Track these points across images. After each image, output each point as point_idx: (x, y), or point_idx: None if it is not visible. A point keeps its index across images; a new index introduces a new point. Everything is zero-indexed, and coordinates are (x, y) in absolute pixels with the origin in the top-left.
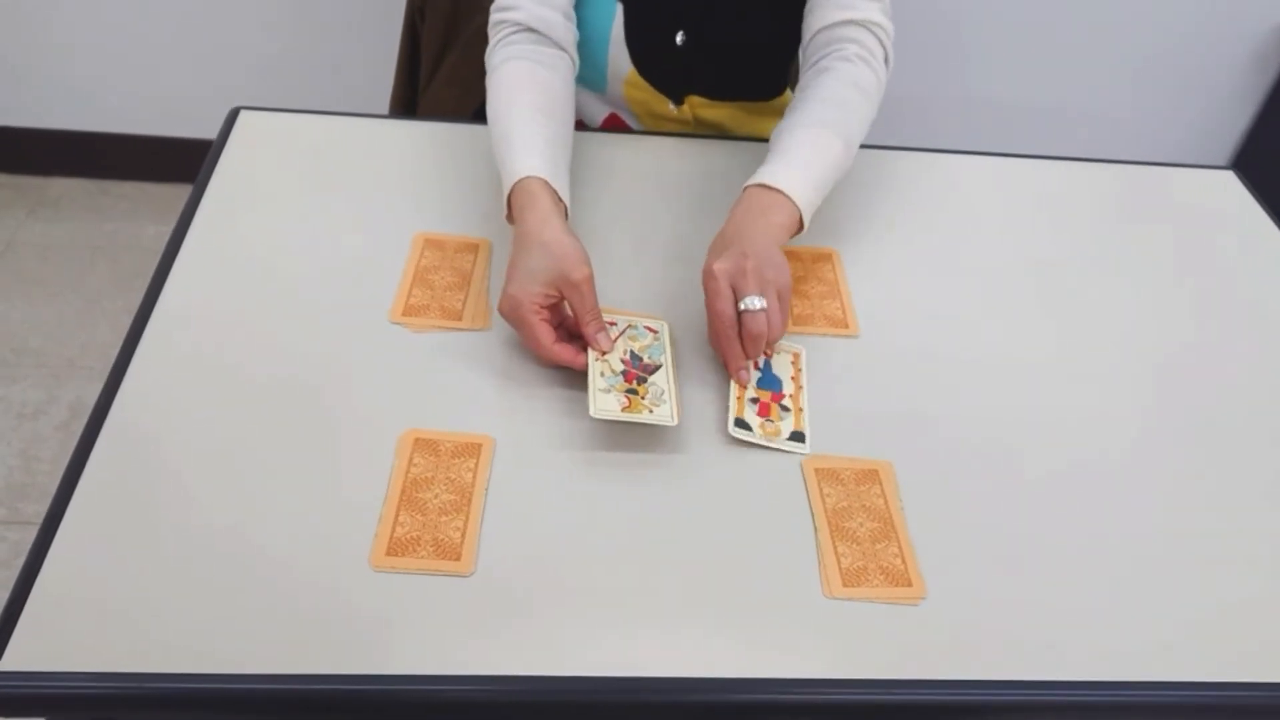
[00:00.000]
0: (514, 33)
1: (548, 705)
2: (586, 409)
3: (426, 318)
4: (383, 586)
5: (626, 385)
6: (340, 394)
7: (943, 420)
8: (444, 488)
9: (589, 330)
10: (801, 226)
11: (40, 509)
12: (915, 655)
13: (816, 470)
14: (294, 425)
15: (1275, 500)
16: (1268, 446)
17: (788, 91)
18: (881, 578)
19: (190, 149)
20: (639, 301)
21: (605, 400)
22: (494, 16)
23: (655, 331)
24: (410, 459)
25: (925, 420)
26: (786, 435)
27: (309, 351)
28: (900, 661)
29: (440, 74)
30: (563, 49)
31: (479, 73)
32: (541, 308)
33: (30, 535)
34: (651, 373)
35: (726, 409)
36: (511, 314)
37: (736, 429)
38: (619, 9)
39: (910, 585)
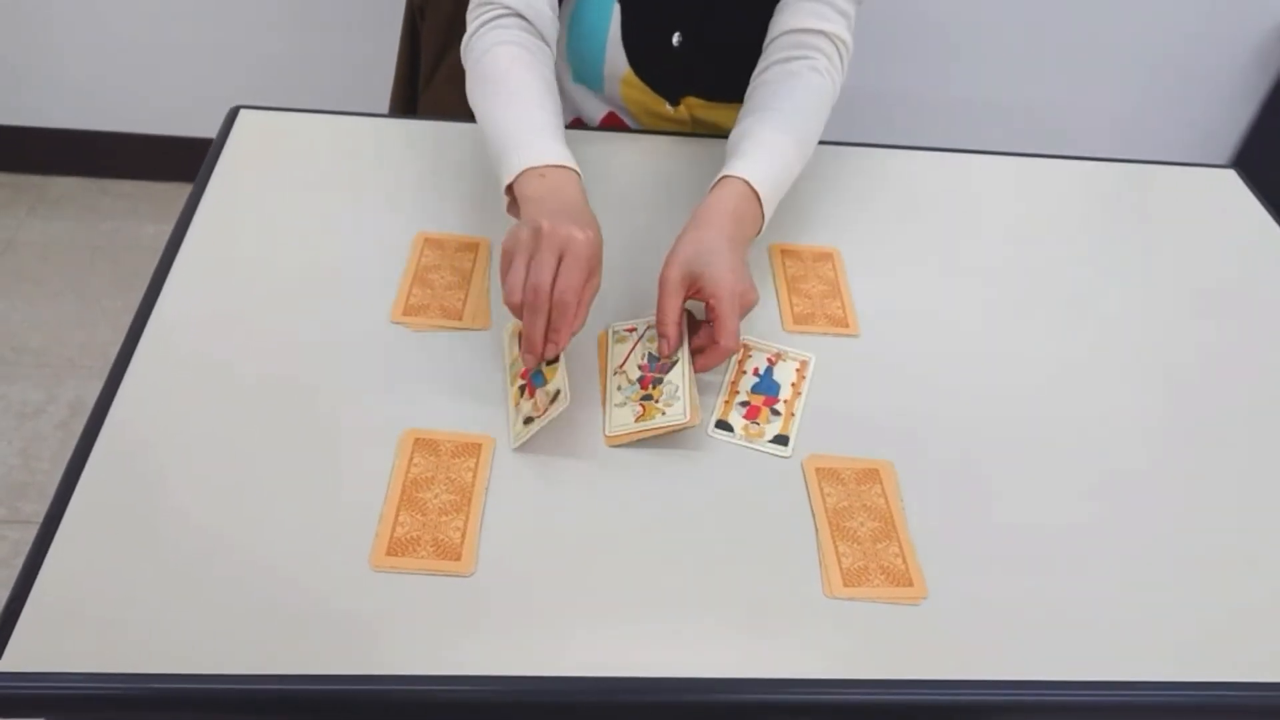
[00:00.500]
0: (503, 15)
1: (548, 705)
2: (586, 409)
3: (427, 317)
4: (383, 586)
5: (642, 392)
6: (340, 393)
7: (943, 419)
8: (444, 488)
9: (563, 332)
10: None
11: (40, 508)
12: (916, 655)
13: (817, 470)
14: (293, 424)
15: (1275, 500)
16: (1267, 446)
17: None
18: (882, 577)
19: (190, 148)
20: (635, 300)
21: (620, 416)
22: None
23: None
24: (410, 459)
25: (926, 420)
26: (770, 438)
27: (309, 350)
28: (900, 661)
29: (440, 73)
30: (548, 44)
31: None
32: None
33: (30, 534)
34: (668, 371)
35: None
36: (582, 245)
37: (716, 430)
38: (616, 9)
39: (911, 585)
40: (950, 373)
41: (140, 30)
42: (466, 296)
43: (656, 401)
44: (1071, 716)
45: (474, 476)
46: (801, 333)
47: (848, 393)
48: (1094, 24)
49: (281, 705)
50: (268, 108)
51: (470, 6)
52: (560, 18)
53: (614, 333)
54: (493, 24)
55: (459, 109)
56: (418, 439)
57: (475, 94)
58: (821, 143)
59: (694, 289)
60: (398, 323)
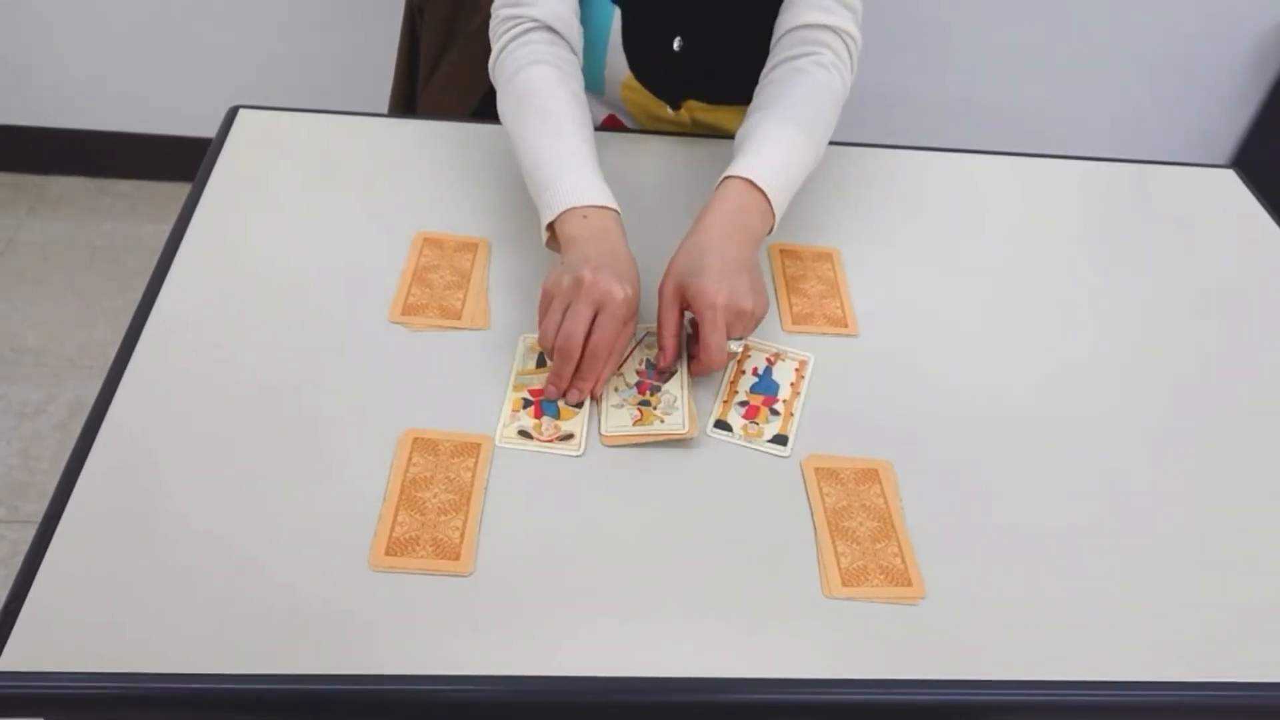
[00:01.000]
0: (531, 30)
1: (547, 705)
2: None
3: (426, 317)
4: (382, 586)
5: (640, 398)
6: (339, 393)
7: (942, 419)
8: (443, 487)
9: (589, 380)
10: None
11: (39, 508)
12: (914, 655)
13: (816, 470)
14: (292, 423)
15: (1275, 500)
16: (1267, 446)
17: None
18: (881, 577)
19: (190, 148)
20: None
21: (617, 417)
22: (504, 11)
23: None
24: (409, 458)
25: (925, 420)
26: (768, 438)
27: (308, 350)
28: (899, 661)
29: (440, 73)
30: (575, 53)
31: (478, 72)
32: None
33: (29, 534)
34: (666, 380)
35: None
36: (625, 297)
37: (715, 430)
38: (617, 13)
39: (910, 585)
40: (949, 373)
41: (140, 30)
42: (465, 296)
43: (654, 409)
44: (1071, 716)
45: (473, 476)
46: (801, 333)
47: (847, 393)
48: (1094, 24)
49: (281, 705)
50: (267, 108)
51: (495, 19)
52: None
53: None
54: (522, 39)
55: (458, 108)
56: (416, 439)
57: (510, 115)
58: None
59: (685, 301)
60: (396, 322)
